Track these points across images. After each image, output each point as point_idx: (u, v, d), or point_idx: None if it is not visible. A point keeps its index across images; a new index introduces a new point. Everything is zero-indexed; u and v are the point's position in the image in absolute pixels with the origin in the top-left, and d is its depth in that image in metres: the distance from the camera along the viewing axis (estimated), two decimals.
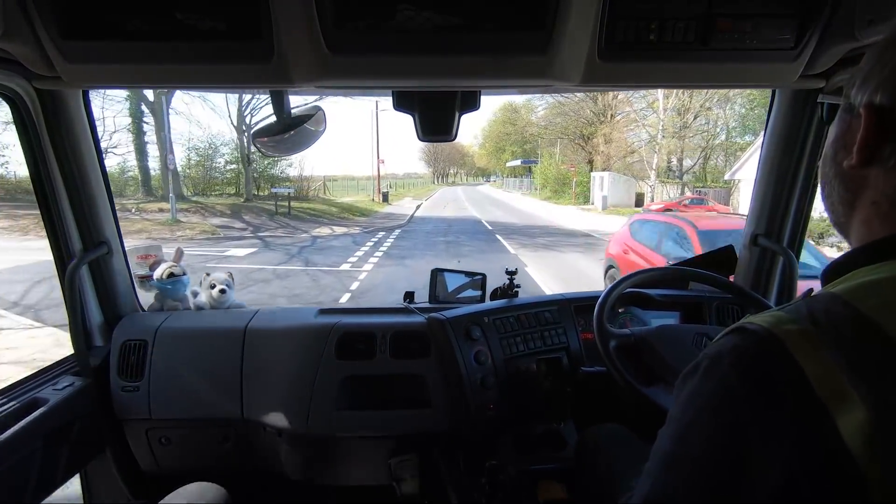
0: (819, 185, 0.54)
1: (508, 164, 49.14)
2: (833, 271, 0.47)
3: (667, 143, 22.51)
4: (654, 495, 0.43)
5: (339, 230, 14.06)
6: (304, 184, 24.02)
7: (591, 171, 27.58)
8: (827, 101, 0.55)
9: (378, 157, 26.29)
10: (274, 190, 19.19)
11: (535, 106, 38.86)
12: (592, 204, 24.10)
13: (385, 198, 25.52)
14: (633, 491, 0.45)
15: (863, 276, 0.42)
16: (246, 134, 20.26)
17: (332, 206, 20.19)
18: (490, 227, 14.83)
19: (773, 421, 0.37)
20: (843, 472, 0.34)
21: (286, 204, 17.51)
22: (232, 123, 21.21)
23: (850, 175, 0.47)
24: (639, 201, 22.81)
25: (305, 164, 26.05)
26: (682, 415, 0.43)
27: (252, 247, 10.84)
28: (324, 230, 13.96)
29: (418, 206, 23.33)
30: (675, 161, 25.54)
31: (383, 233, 13.33)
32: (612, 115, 27.90)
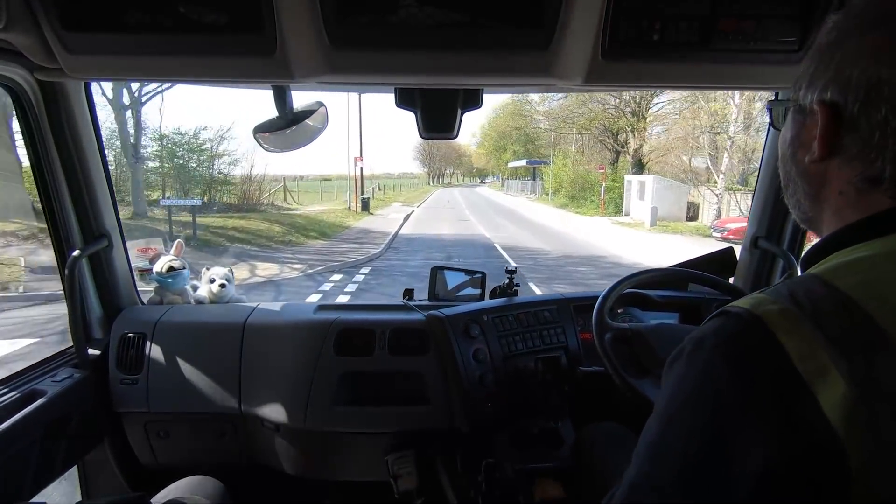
0: (782, 185, 0.56)
1: (511, 165, 46.18)
2: (812, 257, 0.48)
3: (742, 139, 16.00)
4: (641, 479, 0.43)
5: (262, 271, 8.38)
6: (252, 187, 17.04)
7: (616, 171, 22.83)
8: (774, 106, 0.56)
9: (359, 156, 19.95)
10: (163, 202, 12.48)
11: (549, 95, 27.43)
12: (627, 215, 19.13)
13: (365, 205, 19.23)
14: (622, 480, 0.45)
15: (840, 258, 0.44)
16: (130, 111, 13.30)
17: (281, 223, 13.52)
18: (509, 257, 9.68)
19: (755, 399, 0.37)
20: (824, 446, 0.34)
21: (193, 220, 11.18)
22: (105, 96, 12.88)
23: (812, 170, 0.49)
24: (692, 214, 17.66)
25: (256, 159, 17.54)
26: (669, 398, 0.44)
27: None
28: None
29: (407, 217, 18.06)
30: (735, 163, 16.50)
31: (339, 276, 8.09)
32: (645, 109, 22.90)
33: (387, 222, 15.98)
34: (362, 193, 20.33)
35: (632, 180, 19.65)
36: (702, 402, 0.41)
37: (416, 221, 16.97)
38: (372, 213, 18.87)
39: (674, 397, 0.43)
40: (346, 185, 22.67)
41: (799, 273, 0.48)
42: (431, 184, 78.90)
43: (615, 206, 20.77)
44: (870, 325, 0.36)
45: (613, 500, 0.45)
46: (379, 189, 35.02)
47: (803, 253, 0.51)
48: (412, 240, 12.65)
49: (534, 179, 39.27)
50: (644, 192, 17.95)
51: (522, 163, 40.36)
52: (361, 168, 20.61)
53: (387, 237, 12.51)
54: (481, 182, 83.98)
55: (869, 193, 0.45)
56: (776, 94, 1.34)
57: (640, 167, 22.80)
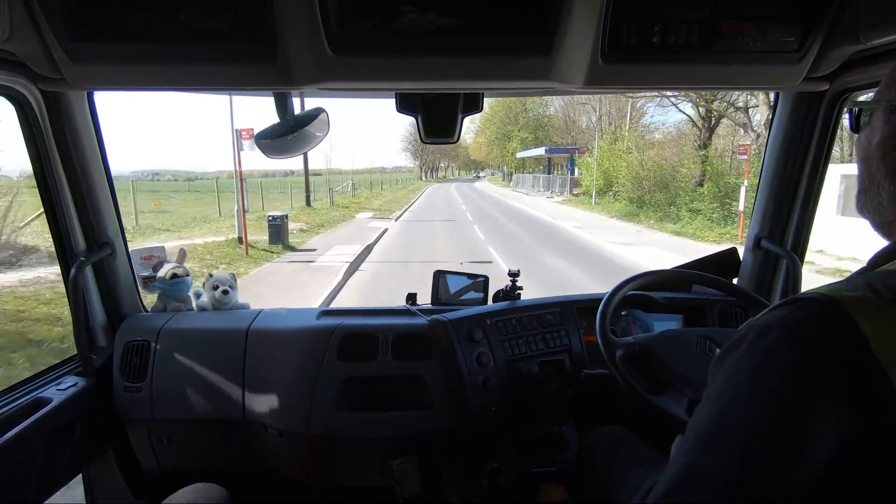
0: (858, 189, 0.55)
1: (520, 155, 38.27)
2: (883, 257, 0.48)
3: None
4: (690, 469, 0.42)
5: None
6: None
7: (710, 162, 14.67)
8: (860, 106, 0.55)
9: (246, 131, 9.16)
10: None
11: None
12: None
13: (277, 234, 9.68)
14: (664, 472, 0.44)
15: None
16: None
17: None
18: None
19: (828, 384, 0.37)
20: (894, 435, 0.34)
21: None
22: None
23: None
24: None
25: None
26: (724, 389, 0.42)
27: None
28: None
29: (362, 255, 8.78)
30: None
31: None
32: None
33: (285, 288, 6.62)
34: (265, 215, 10.65)
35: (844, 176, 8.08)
36: (766, 387, 0.39)
37: (375, 274, 7.54)
38: (285, 252, 9.28)
39: (731, 384, 0.42)
40: (293, 185, 19.11)
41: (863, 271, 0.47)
42: (424, 178, 73.01)
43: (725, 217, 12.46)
44: None
45: (651, 497, 0.43)
46: (351, 188, 26.70)
47: (875, 252, 0.50)
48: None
49: (549, 173, 32.70)
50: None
51: (539, 152, 32.58)
52: (239, 159, 9.36)
53: None
54: (476, 177, 76.77)
55: None
56: (774, 105, 1.34)
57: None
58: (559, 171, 32.58)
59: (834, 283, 0.42)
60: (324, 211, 16.80)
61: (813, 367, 0.38)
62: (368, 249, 9.48)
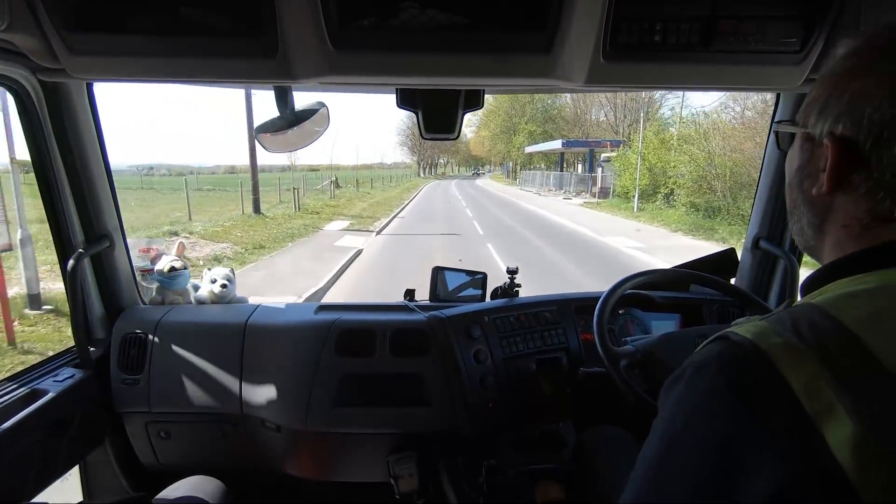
0: (788, 210, 0.56)
1: (530, 150, 34.04)
2: (813, 282, 0.48)
3: None
4: (639, 500, 0.43)
5: None
6: None
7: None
8: (781, 129, 0.56)
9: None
10: None
11: None
12: None
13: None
14: (621, 498, 0.45)
15: (841, 289, 0.43)
16: None
17: None
18: None
19: (759, 434, 0.37)
20: (834, 485, 0.34)
21: None
22: None
23: (817, 202, 0.49)
24: None
25: None
26: (668, 423, 0.43)
27: None
28: None
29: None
30: None
31: None
32: None
33: None
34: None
35: None
36: (707, 429, 0.40)
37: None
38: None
39: (675, 420, 0.42)
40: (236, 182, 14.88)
41: (799, 299, 0.48)
42: (423, 174, 66.47)
43: None
44: (873, 361, 0.36)
45: None
46: (333, 185, 21.77)
47: (802, 280, 0.51)
48: None
49: (561, 170, 29.50)
50: None
51: (554, 145, 28.36)
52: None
53: None
54: (476, 173, 73.10)
55: (873, 228, 0.44)
56: (775, 106, 1.34)
57: None
58: (573, 168, 29.77)
59: (763, 321, 0.42)
60: (281, 220, 12.30)
61: (749, 409, 0.38)
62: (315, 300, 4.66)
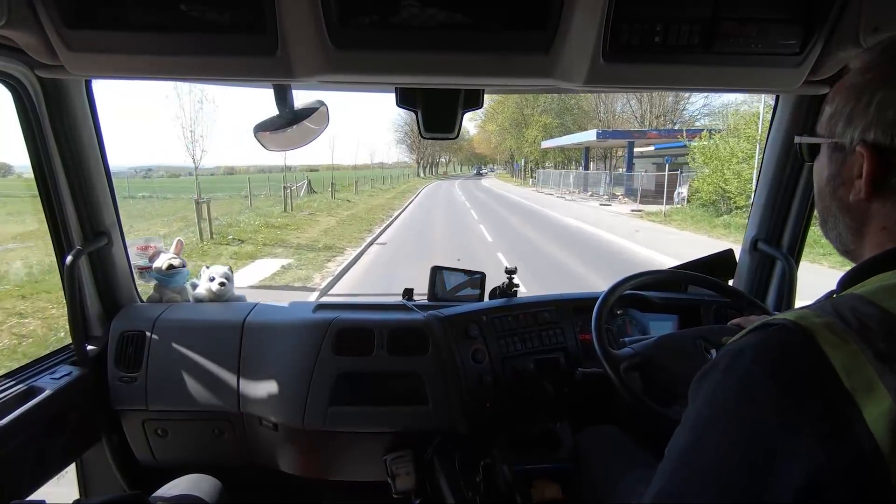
0: (819, 218, 0.57)
1: (547, 145, 29.93)
2: (851, 279, 0.49)
3: None
4: (667, 495, 0.43)
5: None
6: None
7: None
8: (808, 141, 0.57)
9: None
10: None
11: None
12: None
13: None
14: (647, 490, 0.45)
15: (881, 281, 0.44)
16: None
17: None
18: None
19: (798, 413, 0.37)
20: (866, 461, 0.34)
21: None
22: None
23: (856, 207, 0.50)
24: None
25: None
26: (700, 413, 0.43)
27: None
28: None
29: None
30: None
31: None
32: None
33: None
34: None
35: None
36: (741, 412, 0.40)
37: None
38: None
39: (707, 408, 0.43)
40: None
41: (834, 294, 0.49)
42: (423, 174, 59.95)
43: None
44: None
45: None
46: (306, 190, 18.40)
47: (843, 274, 0.52)
48: None
49: (587, 168, 25.36)
50: None
51: (586, 137, 22.57)
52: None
53: None
54: (478, 173, 66.29)
55: None
56: (774, 107, 1.34)
57: None
58: (598, 165, 25.67)
59: (804, 308, 0.43)
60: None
61: (787, 394, 0.38)
62: None
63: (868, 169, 0.47)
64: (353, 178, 27.97)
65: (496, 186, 34.17)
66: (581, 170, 25.35)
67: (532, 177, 34.64)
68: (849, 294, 0.44)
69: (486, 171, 68.98)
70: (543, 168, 32.17)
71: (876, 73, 0.47)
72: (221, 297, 1.58)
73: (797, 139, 0.59)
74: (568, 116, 34.13)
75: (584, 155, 26.27)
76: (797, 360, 0.39)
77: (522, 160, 40.64)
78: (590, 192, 21.57)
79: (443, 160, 76.62)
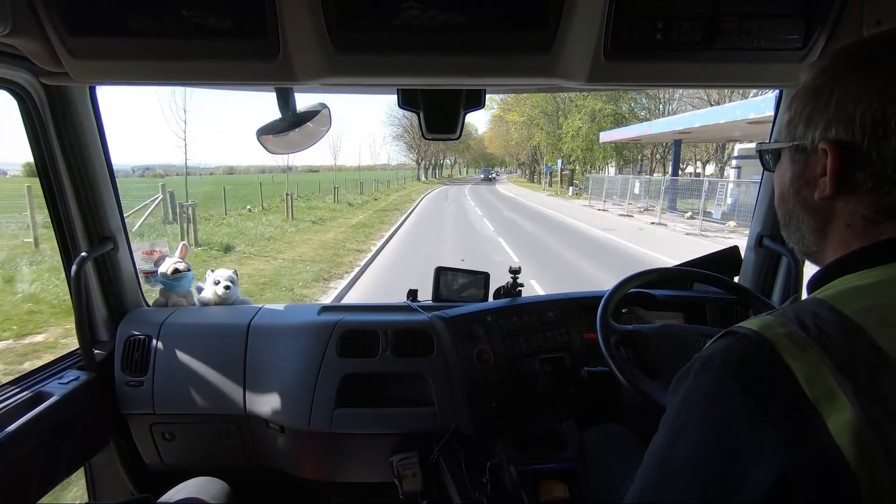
0: (781, 222, 0.58)
1: (609, 137, 20.51)
2: (818, 280, 0.50)
3: None
4: (647, 495, 0.44)
5: None
6: None
7: None
8: (765, 148, 0.59)
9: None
10: None
11: None
12: None
13: None
14: (628, 493, 0.46)
15: (846, 283, 0.45)
16: None
17: None
18: None
19: (764, 421, 0.38)
20: (834, 470, 0.35)
21: None
22: None
23: (819, 206, 0.51)
24: None
25: None
26: (676, 416, 0.45)
27: None
28: None
29: None
30: None
31: None
32: None
33: None
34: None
35: None
36: (712, 416, 0.41)
37: None
38: None
39: (682, 413, 0.44)
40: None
41: (804, 297, 0.49)
42: (424, 178, 51.86)
43: None
44: (874, 349, 0.37)
45: None
46: (163, 206, 11.16)
47: (808, 277, 0.52)
48: None
49: (676, 173, 16.97)
50: None
51: (687, 123, 13.74)
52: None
53: None
54: (487, 178, 54.11)
55: (878, 224, 0.46)
56: (777, 102, 1.33)
57: None
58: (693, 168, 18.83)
59: (767, 316, 0.44)
60: None
61: (753, 399, 0.39)
62: None
63: (832, 165, 0.47)
64: (348, 179, 23.28)
65: (521, 196, 25.18)
66: (657, 176, 17.54)
67: (573, 184, 25.44)
68: (811, 298, 0.45)
69: (494, 174, 57.78)
70: (591, 172, 22.71)
71: (831, 75, 0.48)
72: (226, 300, 1.59)
73: (758, 146, 0.60)
74: (623, 103, 25.09)
75: (675, 152, 17.17)
76: (760, 369, 0.40)
77: (559, 160, 29.36)
78: (687, 213, 14.09)
79: (447, 161, 68.33)
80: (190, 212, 8.94)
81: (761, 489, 0.36)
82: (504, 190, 31.82)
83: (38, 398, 1.18)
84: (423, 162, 54.84)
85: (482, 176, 55.98)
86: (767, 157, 0.59)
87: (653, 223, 13.86)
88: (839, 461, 0.35)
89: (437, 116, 1.07)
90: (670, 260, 7.48)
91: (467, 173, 76.11)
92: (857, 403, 0.35)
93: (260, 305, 1.56)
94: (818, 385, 0.37)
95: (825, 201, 0.49)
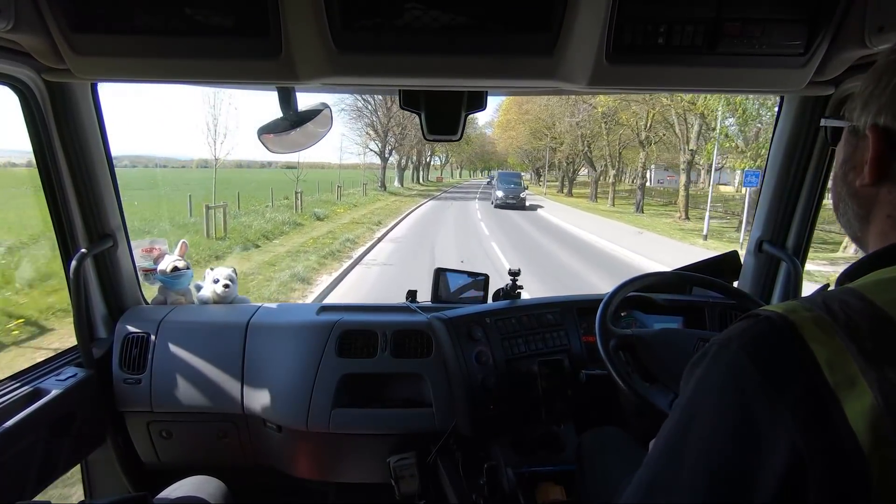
0: (832, 203, 0.57)
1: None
2: (850, 274, 0.48)
3: None
4: (657, 476, 0.43)
5: None
6: None
7: None
8: (829, 124, 0.58)
9: None
10: None
11: None
12: None
13: None
14: (632, 481, 0.45)
15: (880, 275, 0.44)
16: None
17: None
18: None
19: (781, 402, 0.37)
20: (847, 456, 0.34)
21: None
22: None
23: (862, 193, 0.50)
24: None
25: None
26: (688, 401, 0.43)
27: None
28: None
29: None
30: None
31: None
32: None
33: None
34: None
35: None
36: (728, 396, 0.40)
37: None
38: None
39: (695, 397, 0.43)
40: None
41: (834, 287, 0.48)
42: (400, 184, 31.82)
43: None
44: None
45: (621, 499, 0.44)
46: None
47: (844, 268, 0.51)
48: None
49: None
50: None
51: None
52: None
53: None
54: (488, 178, 38.52)
55: None
56: (779, 109, 1.33)
57: None
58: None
59: (794, 301, 0.43)
60: None
61: (770, 382, 0.38)
62: None
63: (873, 153, 0.46)
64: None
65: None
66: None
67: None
68: (843, 287, 0.43)
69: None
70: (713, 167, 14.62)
71: None
72: (225, 298, 1.59)
73: (823, 122, 0.59)
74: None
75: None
76: (780, 351, 0.39)
77: (607, 161, 22.40)
78: None
79: (436, 161, 50.00)
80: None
81: (777, 475, 0.36)
82: (555, 221, 15.95)
83: (36, 394, 1.17)
84: (402, 158, 33.83)
85: (486, 181, 39.20)
86: (830, 133, 0.57)
87: None
88: (853, 447, 0.34)
89: (439, 118, 1.07)
90: None
91: (460, 176, 56.31)
92: (879, 391, 0.35)
93: (259, 304, 1.56)
94: (839, 370, 0.36)
95: (866, 188, 0.48)
